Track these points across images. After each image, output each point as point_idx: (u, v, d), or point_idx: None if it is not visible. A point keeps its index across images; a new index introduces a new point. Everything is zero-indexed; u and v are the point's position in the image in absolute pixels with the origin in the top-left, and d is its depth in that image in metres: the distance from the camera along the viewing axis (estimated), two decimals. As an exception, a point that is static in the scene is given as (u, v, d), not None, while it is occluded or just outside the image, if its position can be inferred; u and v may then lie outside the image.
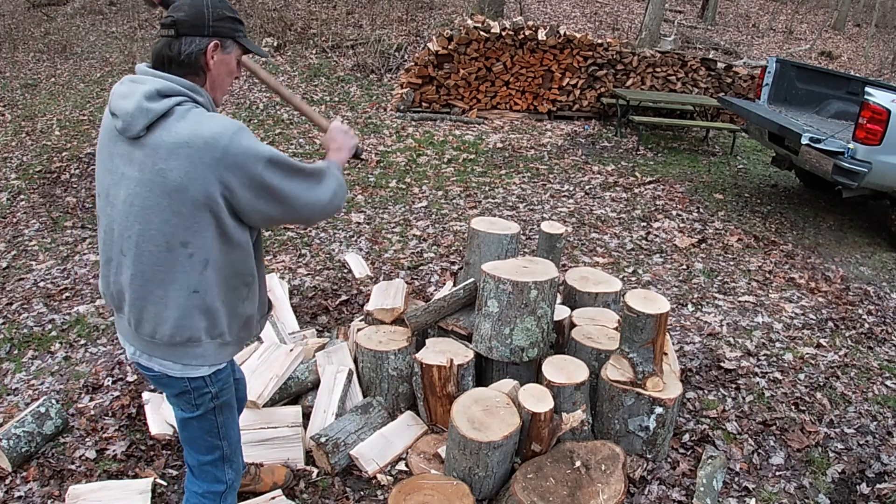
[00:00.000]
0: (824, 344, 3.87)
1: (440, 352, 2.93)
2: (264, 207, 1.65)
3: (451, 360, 2.82)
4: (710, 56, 10.26)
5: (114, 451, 2.82)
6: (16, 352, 3.65)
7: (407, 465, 2.78)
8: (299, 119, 8.03)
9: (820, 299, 4.45)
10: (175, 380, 1.80)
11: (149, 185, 1.57)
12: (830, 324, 4.13)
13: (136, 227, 1.62)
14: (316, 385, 3.09)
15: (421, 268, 4.57)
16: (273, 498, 2.53)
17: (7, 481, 2.67)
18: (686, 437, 3.00)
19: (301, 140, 7.33)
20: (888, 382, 3.52)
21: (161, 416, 2.95)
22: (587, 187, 6.38)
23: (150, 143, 1.57)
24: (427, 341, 3.08)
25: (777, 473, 2.85)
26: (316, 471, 2.74)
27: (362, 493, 2.65)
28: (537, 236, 4.30)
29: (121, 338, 1.88)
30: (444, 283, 4.20)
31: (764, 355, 3.71)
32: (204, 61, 1.65)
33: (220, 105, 1.80)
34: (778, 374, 3.53)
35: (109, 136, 1.66)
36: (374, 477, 2.72)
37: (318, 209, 1.74)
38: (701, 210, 6.00)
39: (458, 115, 8.41)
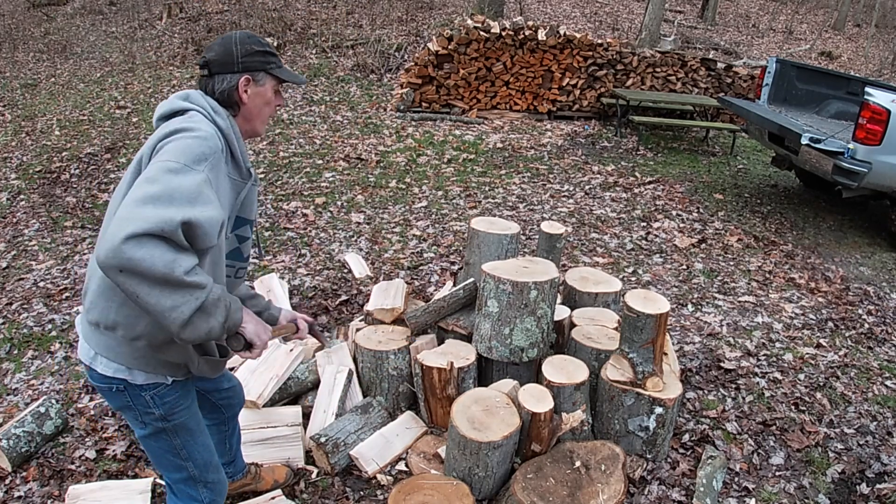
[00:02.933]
0: (824, 344, 3.87)
1: (441, 353, 2.93)
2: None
3: (452, 363, 2.82)
4: (710, 56, 10.26)
5: (114, 451, 2.82)
6: (16, 352, 3.66)
7: (407, 466, 2.78)
8: (299, 119, 8.03)
9: (820, 299, 4.45)
10: (106, 378, 1.72)
11: (136, 159, 1.67)
12: (830, 324, 4.13)
13: (113, 197, 1.69)
14: (316, 385, 3.09)
15: (421, 268, 4.57)
16: (273, 498, 2.53)
17: (7, 481, 2.67)
18: (686, 437, 3.00)
19: (301, 140, 7.33)
20: (888, 382, 3.52)
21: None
22: (587, 187, 6.38)
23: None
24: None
25: (777, 473, 2.85)
26: (316, 471, 2.74)
27: (362, 493, 2.65)
28: (537, 236, 4.30)
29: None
30: (444, 283, 4.20)
31: (764, 355, 3.71)
32: (237, 96, 1.75)
33: (261, 135, 1.92)
34: (778, 374, 3.53)
35: None
36: (374, 477, 2.72)
37: (110, 244, 1.35)
38: (701, 210, 6.00)
39: (458, 115, 8.41)
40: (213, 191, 1.52)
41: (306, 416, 2.94)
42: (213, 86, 1.74)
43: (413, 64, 8.37)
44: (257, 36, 1.79)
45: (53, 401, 2.96)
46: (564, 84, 8.55)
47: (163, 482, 2.66)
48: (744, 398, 3.31)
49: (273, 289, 3.90)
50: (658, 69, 8.78)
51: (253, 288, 2.16)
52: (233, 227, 1.79)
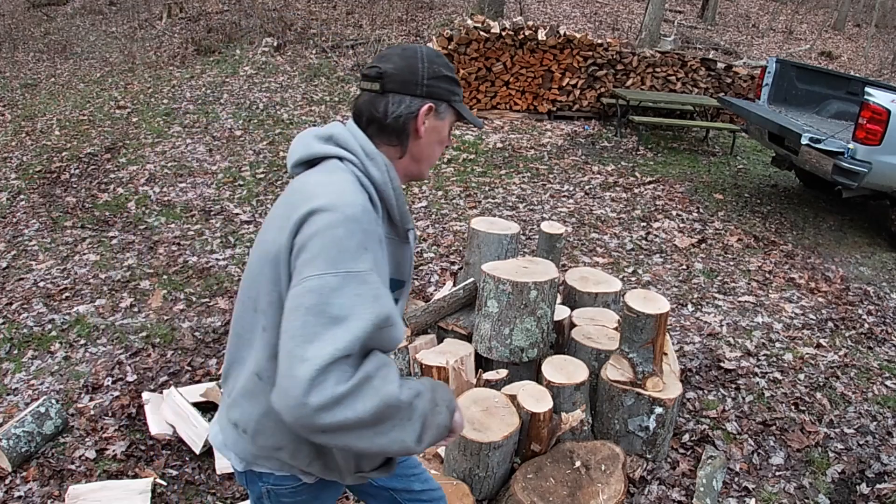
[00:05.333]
0: (824, 344, 3.87)
1: (440, 352, 2.93)
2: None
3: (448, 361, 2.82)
4: (710, 56, 10.26)
5: (114, 451, 2.82)
6: (16, 352, 3.65)
7: (407, 465, 2.78)
8: (299, 119, 8.03)
9: (820, 299, 4.45)
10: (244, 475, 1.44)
11: (261, 233, 1.34)
12: (830, 324, 4.13)
13: (247, 271, 1.36)
14: (316, 385, 3.08)
15: (421, 268, 4.57)
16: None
17: (7, 481, 2.67)
18: (686, 437, 3.00)
19: (301, 140, 7.33)
20: (888, 382, 3.52)
21: (161, 416, 2.95)
22: (587, 187, 6.38)
23: (290, 188, 1.34)
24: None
25: (777, 473, 2.85)
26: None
27: (362, 493, 2.65)
28: (537, 236, 4.30)
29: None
30: (444, 283, 4.19)
31: (764, 355, 3.71)
32: (413, 127, 1.35)
33: (425, 178, 1.50)
34: (778, 374, 3.53)
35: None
36: (374, 477, 2.72)
37: (294, 379, 1.08)
38: (701, 210, 6.00)
39: (458, 115, 8.41)
40: (380, 280, 1.22)
41: (306, 416, 2.93)
42: (387, 108, 1.32)
43: (413, 64, 8.36)
44: (444, 57, 1.41)
45: (53, 401, 2.96)
46: (564, 84, 8.55)
47: (163, 482, 2.66)
48: (744, 398, 3.31)
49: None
50: (658, 69, 8.78)
51: None
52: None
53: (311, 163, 1.34)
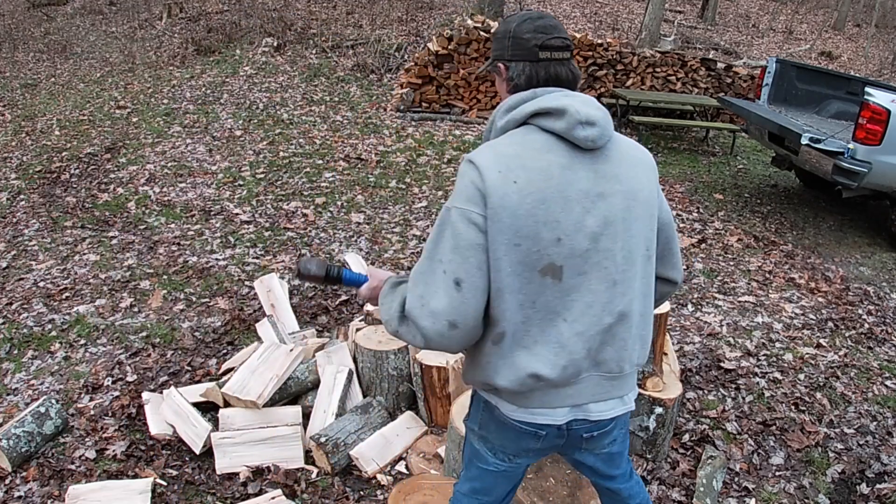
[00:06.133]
0: (824, 344, 3.87)
1: (440, 352, 2.93)
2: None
3: (448, 362, 2.82)
4: (710, 56, 10.26)
5: (114, 451, 2.83)
6: (16, 352, 3.66)
7: (407, 466, 2.78)
8: (299, 119, 8.03)
9: (820, 299, 4.45)
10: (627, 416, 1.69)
11: (630, 194, 1.49)
12: (830, 324, 4.13)
13: (633, 241, 1.51)
14: (316, 385, 3.09)
15: (421, 268, 4.57)
16: (273, 498, 2.53)
17: (7, 481, 2.67)
18: (686, 437, 3.00)
19: (301, 140, 7.33)
20: (888, 382, 3.52)
21: (161, 416, 2.95)
22: (587, 187, 6.37)
23: (615, 153, 1.53)
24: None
25: (777, 473, 2.85)
26: (316, 471, 2.74)
27: (362, 492, 2.65)
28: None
29: (575, 408, 1.55)
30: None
31: (764, 355, 3.71)
32: None
33: None
34: (778, 374, 3.53)
35: (562, 163, 1.45)
36: (374, 477, 2.72)
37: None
38: (701, 210, 6.00)
39: (458, 115, 8.41)
40: None
41: (306, 416, 2.94)
42: (577, 69, 1.61)
43: (413, 64, 8.37)
44: None
45: (53, 401, 2.96)
46: (564, 84, 8.54)
47: (163, 482, 2.66)
48: (744, 398, 3.31)
49: (273, 289, 3.91)
50: (658, 69, 8.78)
51: None
52: None
53: None
